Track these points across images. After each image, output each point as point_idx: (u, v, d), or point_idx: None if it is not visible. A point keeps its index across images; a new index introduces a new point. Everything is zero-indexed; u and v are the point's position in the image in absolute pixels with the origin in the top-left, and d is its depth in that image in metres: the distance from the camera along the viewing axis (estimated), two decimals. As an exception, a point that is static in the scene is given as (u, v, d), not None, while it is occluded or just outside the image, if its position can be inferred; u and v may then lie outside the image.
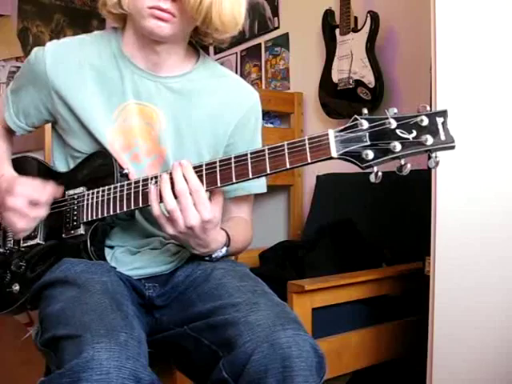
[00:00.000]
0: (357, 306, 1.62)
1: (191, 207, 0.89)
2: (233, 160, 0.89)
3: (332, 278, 1.55)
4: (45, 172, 1.12)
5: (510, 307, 1.22)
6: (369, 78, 2.19)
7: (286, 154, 0.84)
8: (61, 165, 1.11)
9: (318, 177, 2.39)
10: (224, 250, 1.01)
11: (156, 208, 0.91)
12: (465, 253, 1.28)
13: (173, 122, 1.06)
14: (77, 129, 1.04)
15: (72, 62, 1.04)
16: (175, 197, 0.89)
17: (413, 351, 1.60)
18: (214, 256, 1.02)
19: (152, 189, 0.91)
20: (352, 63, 2.23)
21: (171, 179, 0.90)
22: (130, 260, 1.06)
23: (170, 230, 0.92)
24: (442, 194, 1.31)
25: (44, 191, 1.00)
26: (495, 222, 1.24)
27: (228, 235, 1.02)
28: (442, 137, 0.78)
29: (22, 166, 1.15)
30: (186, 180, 0.89)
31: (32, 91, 1.06)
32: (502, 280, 1.23)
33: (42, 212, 1.00)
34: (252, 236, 1.16)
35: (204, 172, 0.90)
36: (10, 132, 1.17)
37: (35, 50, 1.06)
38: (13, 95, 1.11)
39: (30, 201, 0.98)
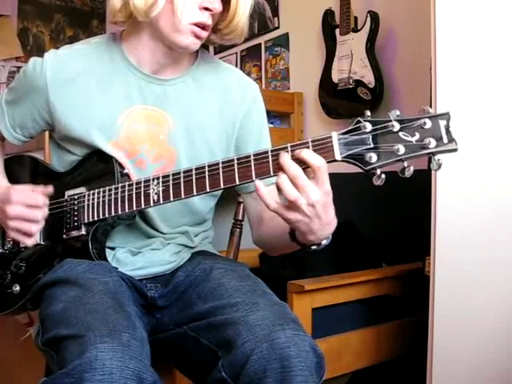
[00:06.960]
0: (357, 306, 1.62)
1: (310, 184, 0.80)
2: (233, 163, 0.87)
3: (332, 277, 1.55)
4: (44, 172, 1.12)
5: (510, 307, 1.22)
6: (369, 78, 2.18)
7: (289, 156, 0.83)
8: (58, 166, 1.10)
9: (318, 177, 2.38)
10: (330, 237, 0.90)
11: (272, 203, 0.83)
12: (465, 253, 1.28)
13: (181, 122, 1.06)
14: (76, 139, 1.04)
15: (73, 74, 1.03)
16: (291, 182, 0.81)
17: (413, 351, 1.60)
18: (323, 243, 0.90)
19: (261, 185, 0.82)
20: (352, 63, 2.23)
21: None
22: (131, 261, 1.06)
23: (291, 215, 0.82)
24: (442, 194, 1.31)
25: (38, 194, 1.01)
26: (495, 222, 1.24)
27: None
28: (445, 140, 0.77)
29: (21, 165, 1.15)
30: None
31: (30, 104, 1.05)
32: (502, 280, 1.23)
33: (42, 213, 1.01)
34: None
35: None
36: (1, 140, 1.16)
37: (33, 61, 1.04)
38: (8, 106, 1.09)
39: (28, 205, 0.99)
